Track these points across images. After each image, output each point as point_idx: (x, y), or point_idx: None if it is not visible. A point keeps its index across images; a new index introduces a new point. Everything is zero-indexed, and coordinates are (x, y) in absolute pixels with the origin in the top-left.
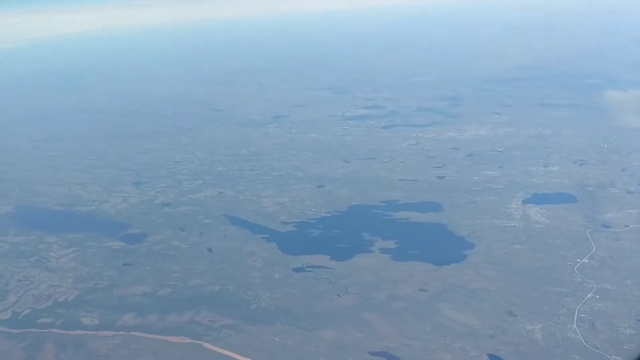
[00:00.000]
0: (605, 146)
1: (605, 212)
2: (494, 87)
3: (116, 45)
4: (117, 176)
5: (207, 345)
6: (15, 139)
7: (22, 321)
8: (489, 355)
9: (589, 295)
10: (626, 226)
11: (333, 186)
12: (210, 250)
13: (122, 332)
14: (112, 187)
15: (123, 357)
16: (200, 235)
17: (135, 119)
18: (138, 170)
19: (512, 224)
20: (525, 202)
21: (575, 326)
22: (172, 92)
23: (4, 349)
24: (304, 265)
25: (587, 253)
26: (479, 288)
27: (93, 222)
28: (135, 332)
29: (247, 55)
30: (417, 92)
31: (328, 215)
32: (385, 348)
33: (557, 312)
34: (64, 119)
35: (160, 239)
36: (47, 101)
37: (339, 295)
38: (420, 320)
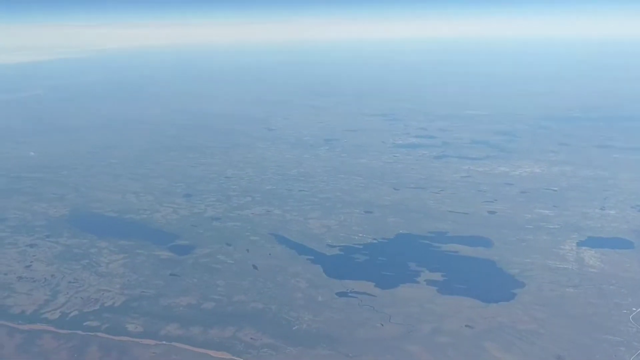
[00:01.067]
0: None
1: None
2: (551, 124)
3: (178, 61)
4: (169, 187)
5: None
6: (78, 144)
7: (70, 322)
8: None
9: None
10: None
11: (381, 213)
12: (255, 267)
13: (164, 342)
14: (163, 197)
15: None
16: (246, 251)
17: (191, 133)
18: (190, 183)
19: (565, 266)
20: (579, 244)
21: None
22: (228, 110)
23: (50, 349)
24: (348, 291)
25: None
26: (528, 329)
27: (143, 231)
28: (178, 343)
29: (302, 77)
30: (471, 125)
31: (374, 241)
32: None
33: None
34: (124, 128)
35: (207, 252)
36: (109, 110)
37: (382, 324)
38: (464, 358)
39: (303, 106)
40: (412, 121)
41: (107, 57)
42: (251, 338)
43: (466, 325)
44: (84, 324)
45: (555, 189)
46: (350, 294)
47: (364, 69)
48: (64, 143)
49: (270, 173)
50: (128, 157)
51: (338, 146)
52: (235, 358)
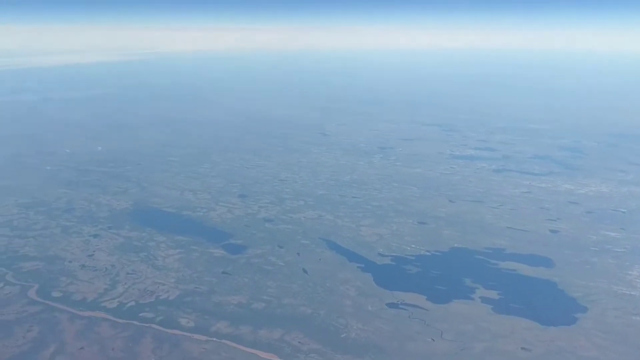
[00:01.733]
0: None
1: None
2: (621, 142)
3: (238, 65)
4: (225, 187)
5: None
6: (142, 142)
7: (126, 312)
8: None
9: None
10: None
11: (435, 225)
12: (305, 271)
13: (214, 339)
14: (219, 196)
15: None
16: (297, 255)
17: (248, 135)
18: (245, 184)
19: (632, 293)
20: None
21: None
22: (285, 114)
23: (107, 336)
24: (398, 302)
25: None
26: (589, 356)
27: (199, 228)
28: (227, 341)
29: (359, 85)
30: (534, 139)
31: (428, 253)
32: None
33: None
34: (185, 128)
35: (259, 252)
36: (172, 111)
37: (433, 339)
38: None
39: (358, 113)
40: (470, 132)
41: (171, 60)
42: (299, 342)
43: (522, 348)
44: (140, 314)
45: (624, 210)
46: (400, 306)
47: (415, 78)
48: (129, 140)
49: (323, 178)
50: (187, 156)
51: (392, 154)
52: None
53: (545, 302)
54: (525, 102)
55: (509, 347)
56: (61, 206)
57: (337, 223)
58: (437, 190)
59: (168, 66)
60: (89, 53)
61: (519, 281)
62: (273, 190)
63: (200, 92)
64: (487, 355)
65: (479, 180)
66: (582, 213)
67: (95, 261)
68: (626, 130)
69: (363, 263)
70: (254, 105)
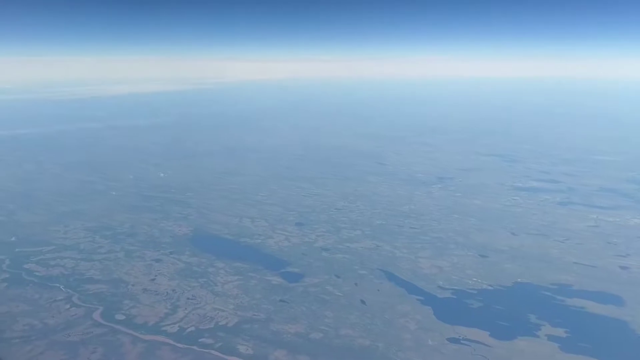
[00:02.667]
0: None
1: None
2: None
3: (295, 94)
4: (282, 215)
5: None
6: (201, 170)
7: (187, 337)
8: None
9: None
10: None
11: (497, 258)
12: (363, 302)
13: None
14: (277, 224)
15: None
16: (354, 285)
17: (304, 164)
18: (302, 212)
19: None
20: None
21: None
22: (341, 143)
23: None
24: (460, 337)
25: None
26: None
27: (257, 255)
28: None
29: (416, 114)
30: (600, 171)
31: (490, 288)
32: None
33: None
34: (243, 156)
35: (316, 282)
36: (230, 139)
37: None
38: None
39: (415, 143)
40: (533, 164)
41: (230, 89)
42: None
43: None
44: (199, 340)
45: None
46: (462, 341)
47: (474, 107)
48: (190, 167)
49: (380, 208)
50: (245, 183)
51: (451, 185)
52: None
53: (615, 341)
54: (590, 132)
55: None
56: (125, 230)
57: (395, 254)
58: (498, 222)
59: (227, 95)
60: (151, 83)
61: (588, 319)
62: (330, 219)
63: (258, 120)
64: None
65: (542, 213)
66: None
67: (157, 285)
68: None
69: (423, 296)
70: (310, 133)
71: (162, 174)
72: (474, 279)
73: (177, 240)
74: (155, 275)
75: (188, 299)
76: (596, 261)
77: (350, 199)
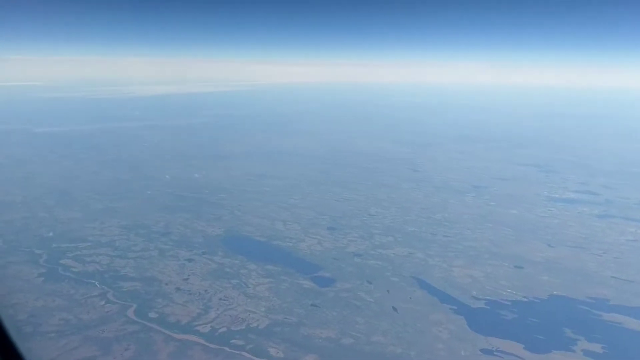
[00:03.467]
0: None
1: None
2: None
3: (328, 98)
4: (314, 219)
5: None
6: (235, 171)
7: (218, 338)
8: None
9: None
10: None
11: (533, 269)
12: (395, 309)
13: None
14: (309, 228)
15: None
16: (386, 292)
17: (337, 168)
18: (334, 217)
19: None
20: None
21: None
22: (375, 147)
23: None
24: (494, 349)
25: None
26: None
27: (289, 258)
28: None
29: (451, 120)
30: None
31: (525, 300)
32: None
33: None
34: (278, 159)
35: (347, 287)
36: (263, 141)
37: None
38: None
39: (449, 150)
40: (570, 174)
41: (267, 92)
42: None
43: None
44: (231, 341)
45: None
46: (496, 353)
47: (511, 115)
48: (223, 168)
49: (413, 215)
50: (278, 186)
51: (486, 194)
52: None
53: None
54: (629, 144)
55: None
56: (159, 229)
57: (428, 262)
58: (534, 233)
59: (261, 98)
60: (187, 84)
61: (626, 335)
62: (362, 225)
63: (293, 123)
64: None
65: (580, 225)
66: None
67: (190, 285)
68: None
69: (456, 305)
70: (344, 137)
71: (196, 175)
72: (509, 290)
73: (209, 240)
74: (188, 275)
75: (220, 299)
76: (635, 276)
77: (384, 204)
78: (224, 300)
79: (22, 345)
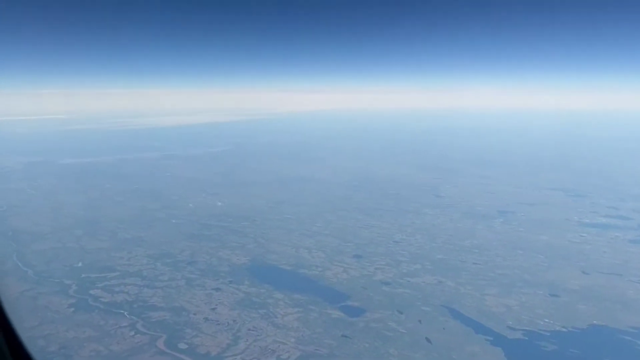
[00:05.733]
0: None
1: None
2: None
3: (347, 125)
4: (339, 246)
5: None
6: (257, 199)
7: None
8: None
9: None
10: None
11: (569, 298)
12: (428, 340)
13: None
14: (334, 256)
15: None
16: (418, 322)
17: (359, 195)
18: (359, 244)
19: None
20: None
21: None
22: (396, 173)
23: None
24: None
25: None
26: None
27: (315, 287)
28: None
29: (472, 145)
30: None
31: (564, 330)
32: None
33: None
34: (298, 186)
35: (377, 317)
36: (284, 169)
37: None
38: None
39: (472, 175)
40: (599, 199)
41: (284, 120)
42: None
43: None
44: None
45: None
46: None
47: (534, 139)
48: (245, 196)
49: (440, 242)
50: (300, 213)
51: (514, 219)
52: None
53: None
54: None
55: None
56: (185, 258)
57: (459, 290)
58: (566, 260)
59: (280, 126)
60: (206, 114)
61: None
62: (388, 252)
63: (313, 150)
64: None
65: (614, 251)
66: None
67: (218, 315)
68: None
69: (491, 336)
70: (364, 164)
71: (219, 203)
72: (546, 320)
73: (235, 269)
74: (216, 305)
75: (249, 330)
76: None
77: (408, 231)
78: (253, 330)
79: None
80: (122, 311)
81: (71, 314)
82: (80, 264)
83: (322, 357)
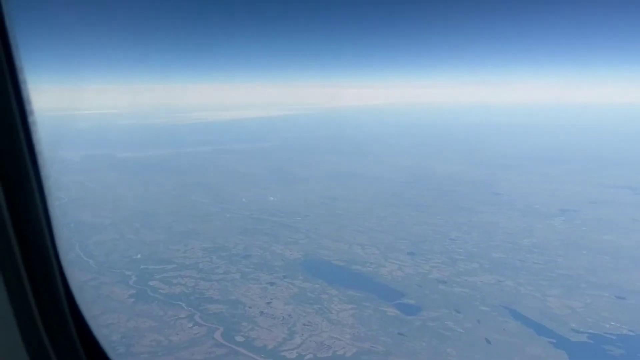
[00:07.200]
0: None
1: None
2: None
3: (397, 120)
4: (393, 243)
5: None
6: (308, 194)
7: None
8: None
9: None
10: None
11: (637, 301)
12: (488, 341)
13: None
14: (388, 252)
15: None
16: (477, 322)
17: (412, 191)
18: (413, 241)
19: None
20: None
21: None
22: (451, 170)
23: None
24: None
25: None
26: None
27: (370, 284)
28: None
29: (530, 140)
30: None
31: (631, 334)
32: None
33: None
34: (350, 181)
35: (434, 315)
36: (336, 164)
37: None
38: None
39: (531, 172)
40: None
41: (334, 114)
42: None
43: None
44: None
45: None
46: None
47: (597, 134)
48: (296, 191)
49: (498, 240)
50: (353, 209)
51: (576, 218)
52: None
53: None
54: None
55: None
56: (239, 252)
57: (519, 291)
58: (634, 261)
59: (332, 120)
60: (258, 108)
61: None
62: (444, 250)
63: (364, 145)
64: None
65: None
66: None
67: (273, 309)
68: None
69: (554, 338)
70: (418, 159)
71: (271, 198)
72: (612, 323)
73: (288, 264)
74: (271, 299)
75: (304, 324)
76: None
77: (464, 229)
78: (308, 325)
79: None
80: (180, 303)
81: (132, 304)
82: (139, 256)
83: (378, 354)
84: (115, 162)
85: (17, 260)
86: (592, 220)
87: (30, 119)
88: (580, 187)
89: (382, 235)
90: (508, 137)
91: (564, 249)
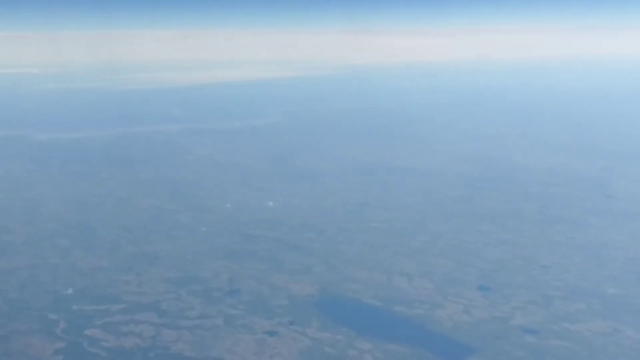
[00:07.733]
0: None
1: None
2: None
3: (453, 84)
4: (455, 272)
5: None
6: (326, 197)
7: None
8: None
9: None
10: None
11: None
12: None
13: None
14: (447, 286)
15: None
16: None
17: (485, 193)
18: (485, 270)
19: None
20: None
21: None
22: (542, 161)
23: None
24: None
25: None
26: None
27: (420, 334)
28: None
29: None
30: None
31: None
32: None
33: None
34: (389, 178)
35: None
36: (368, 151)
37: None
38: None
39: None
40: None
41: (356, 76)
42: None
43: None
44: None
45: None
46: None
47: None
48: (309, 193)
49: (613, 268)
50: (395, 220)
51: None
52: None
53: None
54: None
55: None
56: (222, 286)
57: None
58: None
59: (357, 85)
60: (252, 66)
61: None
62: (532, 283)
63: (406, 123)
64: None
65: None
66: None
67: None
68: None
69: None
70: (493, 143)
71: (270, 203)
72: None
73: (297, 303)
74: (271, 356)
75: None
76: None
77: (563, 251)
78: None
79: None
80: None
81: None
82: (70, 291)
83: None
84: (32, 147)
85: None
86: None
87: None
88: None
89: (438, 260)
90: (625, 110)
91: None
